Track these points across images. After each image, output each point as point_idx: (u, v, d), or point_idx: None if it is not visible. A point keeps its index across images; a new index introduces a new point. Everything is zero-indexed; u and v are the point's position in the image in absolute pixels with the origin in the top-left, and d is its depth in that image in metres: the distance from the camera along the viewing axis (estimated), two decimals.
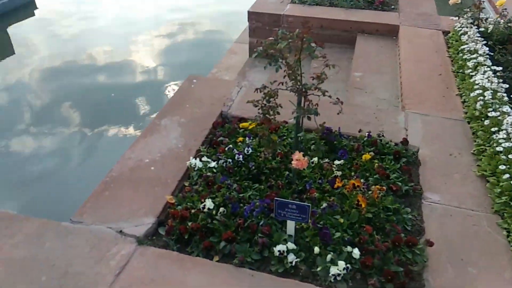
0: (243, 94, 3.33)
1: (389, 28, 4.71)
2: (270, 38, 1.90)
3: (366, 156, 2.50)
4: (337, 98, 1.96)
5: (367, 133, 2.76)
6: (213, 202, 2.14)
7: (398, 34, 4.67)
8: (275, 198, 1.94)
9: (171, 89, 5.85)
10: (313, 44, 1.85)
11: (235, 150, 2.52)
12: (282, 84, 1.96)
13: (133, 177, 2.44)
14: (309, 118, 1.89)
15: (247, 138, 2.65)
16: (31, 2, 8.52)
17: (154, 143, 2.73)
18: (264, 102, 1.97)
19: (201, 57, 6.76)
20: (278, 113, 2.00)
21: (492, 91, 2.97)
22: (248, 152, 2.47)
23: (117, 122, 5.12)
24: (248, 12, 5.01)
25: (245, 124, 2.81)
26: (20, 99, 5.70)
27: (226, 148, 2.57)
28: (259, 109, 2.00)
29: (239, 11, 7.58)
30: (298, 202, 1.91)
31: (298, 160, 1.91)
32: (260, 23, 5.02)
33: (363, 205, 2.06)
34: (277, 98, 1.96)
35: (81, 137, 4.89)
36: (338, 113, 2.00)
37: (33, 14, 8.37)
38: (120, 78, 6.18)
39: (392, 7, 5.13)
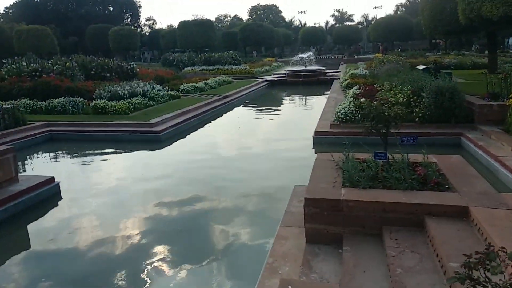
0: None
1: (458, 210, 4.51)
2: (474, 260, 1.56)
3: None
4: None
5: None
6: None
7: (468, 216, 4.46)
8: None
9: None
10: None
11: None
12: None
13: None
14: None
15: None
16: (55, 194, 8.46)
17: None
18: None
19: (247, 243, 6.37)
20: None
21: None
22: None
23: None
24: (305, 198, 4.86)
25: None
26: None
27: None
28: None
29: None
30: None
31: None
32: (318, 209, 4.82)
33: None
34: None
35: None
36: None
37: (57, 205, 8.22)
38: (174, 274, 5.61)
39: (447, 186, 5.05)
